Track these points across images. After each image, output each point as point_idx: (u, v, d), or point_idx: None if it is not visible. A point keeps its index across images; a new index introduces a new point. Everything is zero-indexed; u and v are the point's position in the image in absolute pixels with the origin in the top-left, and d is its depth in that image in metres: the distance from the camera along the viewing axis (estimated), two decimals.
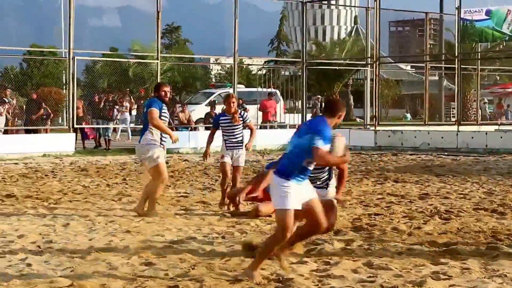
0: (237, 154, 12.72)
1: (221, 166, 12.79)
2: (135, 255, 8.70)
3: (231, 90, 34.56)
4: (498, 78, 60.38)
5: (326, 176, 9.12)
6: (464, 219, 11.47)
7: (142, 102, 33.25)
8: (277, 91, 37.14)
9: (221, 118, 12.90)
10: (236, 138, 12.79)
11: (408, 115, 63.67)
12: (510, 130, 30.32)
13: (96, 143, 29.51)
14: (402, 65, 64.46)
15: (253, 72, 62.19)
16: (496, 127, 33.76)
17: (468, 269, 8.05)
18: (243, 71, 59.59)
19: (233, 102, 12.88)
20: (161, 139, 11.83)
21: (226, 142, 12.77)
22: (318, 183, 8.94)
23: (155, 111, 11.70)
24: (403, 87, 65.06)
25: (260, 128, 31.79)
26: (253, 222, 11.17)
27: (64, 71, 34.62)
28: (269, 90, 35.86)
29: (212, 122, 13.45)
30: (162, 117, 11.80)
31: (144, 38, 48.32)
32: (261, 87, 37.20)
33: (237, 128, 12.78)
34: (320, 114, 7.40)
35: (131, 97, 38.40)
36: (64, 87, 32.26)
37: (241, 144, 12.79)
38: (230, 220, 11.34)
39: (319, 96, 43.64)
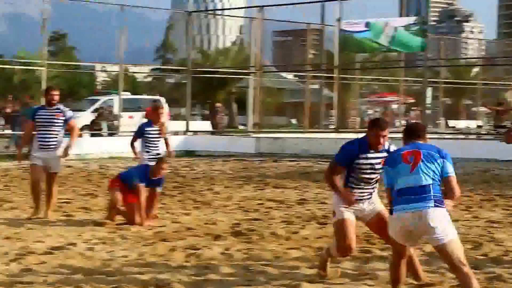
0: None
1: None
2: (15, 262, 8.70)
3: (116, 97, 34.48)
4: (376, 87, 62.01)
5: None
6: None
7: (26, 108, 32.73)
8: (162, 99, 37.19)
9: (147, 128, 12.88)
10: (157, 150, 12.83)
11: (294, 121, 64.59)
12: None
13: None
14: (285, 74, 65.36)
15: (139, 80, 61.91)
16: None
17: (342, 271, 8.37)
18: (128, 79, 59.27)
19: (162, 113, 12.88)
20: (41, 143, 11.96)
21: (148, 153, 12.76)
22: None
23: (27, 124, 12.46)
24: (286, 95, 65.93)
25: None
26: (134, 228, 11.26)
27: None
28: (153, 97, 35.89)
29: (137, 131, 13.09)
30: (38, 120, 11.97)
31: (30, 45, 47.59)
32: (146, 94, 37.16)
33: (160, 140, 12.86)
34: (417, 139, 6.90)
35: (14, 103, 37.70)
36: None
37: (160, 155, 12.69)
38: (111, 226, 11.39)
39: (219, 104, 43.78)
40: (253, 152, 29.35)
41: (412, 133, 6.98)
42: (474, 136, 34.00)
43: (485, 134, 34.70)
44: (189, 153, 29.24)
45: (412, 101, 52.70)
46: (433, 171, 6.49)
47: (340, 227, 7.63)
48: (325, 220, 12.17)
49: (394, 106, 47.03)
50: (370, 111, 54.23)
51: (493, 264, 8.76)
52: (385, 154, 7.44)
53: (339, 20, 32.43)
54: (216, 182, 18.68)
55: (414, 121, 44.62)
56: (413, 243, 6.78)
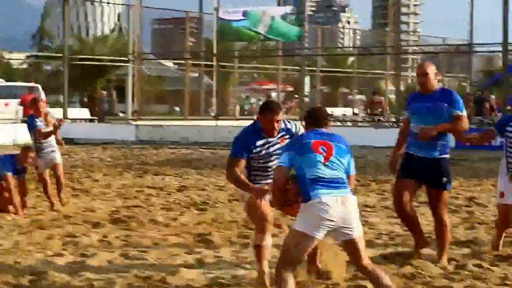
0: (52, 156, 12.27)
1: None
2: None
3: None
4: (256, 76, 62.44)
5: None
6: (219, 210, 11.92)
7: None
8: (39, 86, 36.44)
9: (33, 122, 12.32)
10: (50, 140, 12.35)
11: (177, 109, 64.28)
12: None
13: None
14: (165, 62, 65.02)
15: (15, 67, 60.46)
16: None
17: (220, 257, 8.45)
18: (3, 65, 57.80)
19: (41, 105, 12.41)
20: None
21: (41, 144, 12.23)
22: None
23: None
24: (166, 83, 65.64)
25: (22, 122, 31.05)
26: (9, 216, 11.02)
27: None
28: (29, 84, 35.14)
29: (28, 127, 12.45)
30: None
31: None
32: (22, 81, 36.33)
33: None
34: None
35: None
36: None
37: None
38: None
39: (102, 91, 43.00)
40: (133, 139, 29.16)
41: (317, 119, 6.49)
42: (350, 124, 34.69)
43: (360, 121, 35.47)
44: (67, 141, 28.66)
45: (291, 89, 53.36)
46: (344, 166, 6.24)
47: (252, 205, 7.05)
48: (204, 207, 12.25)
49: (273, 94, 47.42)
50: (253, 99, 54.56)
51: (366, 247, 8.99)
52: (284, 133, 7.05)
53: (217, 8, 32.53)
54: (95, 169, 18.48)
55: (288, 106, 45.15)
56: (322, 236, 6.09)
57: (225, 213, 11.64)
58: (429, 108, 7.93)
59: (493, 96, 33.24)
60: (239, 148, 7.04)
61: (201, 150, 25.68)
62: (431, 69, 8.03)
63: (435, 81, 8.03)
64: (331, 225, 5.97)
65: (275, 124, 6.93)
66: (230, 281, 7.30)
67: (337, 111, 47.62)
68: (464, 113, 7.89)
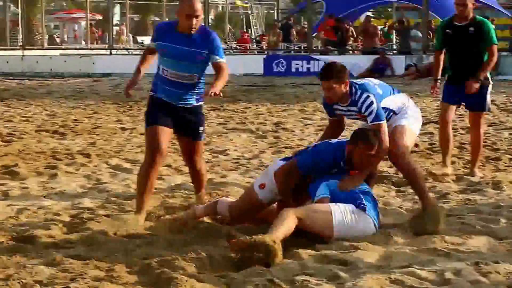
0: None
1: None
2: None
3: None
4: (65, 4, 60.86)
5: None
6: (26, 141, 11.68)
7: None
8: None
9: None
10: None
11: None
12: (75, 54, 31.01)
13: None
14: None
15: None
16: (61, 51, 34.21)
17: (27, 188, 8.32)
18: None
19: None
20: None
21: None
22: None
23: None
24: None
25: None
26: None
27: None
28: None
29: None
30: None
31: None
32: None
33: None
34: None
35: None
36: None
37: None
38: None
39: None
40: None
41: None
42: None
43: None
44: None
45: (100, 18, 52.38)
46: None
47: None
48: (10, 138, 11.95)
49: (82, 23, 46.46)
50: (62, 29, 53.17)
51: None
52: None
53: None
54: None
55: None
56: None
57: (32, 144, 11.41)
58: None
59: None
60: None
61: (7, 81, 24.90)
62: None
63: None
64: None
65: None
66: (37, 211, 7.19)
67: (147, 40, 47.23)
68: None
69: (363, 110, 6.38)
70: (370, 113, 6.35)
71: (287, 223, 5.70)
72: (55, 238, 6.23)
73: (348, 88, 6.42)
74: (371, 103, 6.35)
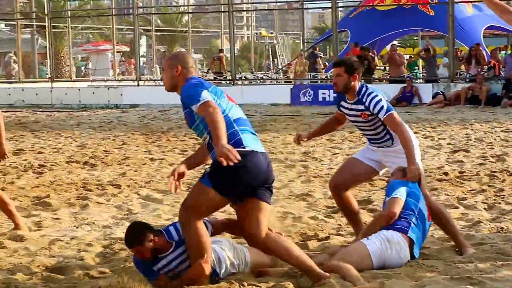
0: None
1: None
2: None
3: None
4: (91, 36, 61.41)
5: None
6: (57, 172, 11.77)
7: None
8: None
9: None
10: None
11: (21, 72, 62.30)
12: (103, 86, 31.26)
13: None
14: None
15: None
16: (89, 83, 34.53)
17: (59, 219, 8.38)
18: None
19: None
20: None
21: None
22: None
23: None
24: None
25: None
26: None
27: None
28: None
29: None
30: None
31: None
32: None
33: None
34: None
35: None
36: None
37: None
38: None
39: None
40: None
41: None
42: None
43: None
44: None
45: (127, 49, 52.82)
46: None
47: None
48: (42, 170, 12.05)
49: (109, 55, 46.80)
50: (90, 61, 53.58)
51: None
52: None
53: None
54: None
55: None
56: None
57: (62, 175, 11.50)
58: None
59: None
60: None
61: (38, 112, 25.15)
62: None
63: None
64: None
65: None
66: (69, 242, 7.24)
67: None
68: None
69: (371, 107, 6.51)
70: (381, 108, 6.49)
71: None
72: (88, 268, 6.28)
73: (356, 84, 6.58)
74: (380, 100, 6.51)
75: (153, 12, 46.45)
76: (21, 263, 6.50)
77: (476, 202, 8.76)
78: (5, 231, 7.73)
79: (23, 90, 29.55)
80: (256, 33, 54.91)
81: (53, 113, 24.89)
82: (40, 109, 26.33)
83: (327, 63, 35.69)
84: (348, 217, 7.03)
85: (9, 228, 7.86)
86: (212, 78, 31.70)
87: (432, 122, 18.76)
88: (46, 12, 32.69)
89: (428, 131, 16.90)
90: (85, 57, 55.60)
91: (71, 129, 19.11)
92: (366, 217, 7.69)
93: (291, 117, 21.18)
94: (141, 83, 30.74)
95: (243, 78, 36.47)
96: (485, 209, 8.50)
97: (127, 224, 8.00)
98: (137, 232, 5.68)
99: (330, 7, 30.33)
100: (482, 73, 26.10)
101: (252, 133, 5.73)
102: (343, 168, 7.01)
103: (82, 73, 47.90)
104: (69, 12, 41.08)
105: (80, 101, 27.98)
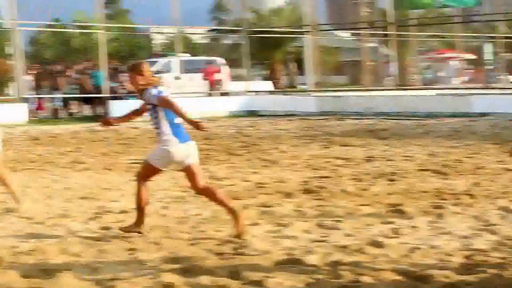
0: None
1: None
2: (94, 220, 8.89)
3: (174, 59, 34.76)
4: (435, 44, 61.17)
5: None
6: (409, 180, 11.79)
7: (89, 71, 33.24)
8: (219, 59, 37.35)
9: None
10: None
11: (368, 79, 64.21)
12: (449, 94, 30.93)
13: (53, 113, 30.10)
14: (340, 33, 64.83)
15: (195, 41, 62.02)
16: (438, 91, 34.36)
17: (415, 227, 8.36)
18: (185, 40, 59.42)
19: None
20: None
21: None
22: None
23: None
24: (343, 54, 65.45)
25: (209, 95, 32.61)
26: None
27: (6, 42, 34.54)
28: (212, 58, 36.39)
29: None
30: None
31: (86, 8, 48.13)
32: (205, 55, 37.51)
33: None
34: None
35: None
36: (8, 58, 32.22)
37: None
38: (182, 184, 11.51)
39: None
40: (314, 111, 29.33)
41: None
42: None
43: None
44: (251, 113, 29.47)
45: (473, 57, 51.90)
46: None
47: None
48: (394, 177, 12.13)
49: (454, 63, 46.29)
50: (434, 69, 53.55)
51: None
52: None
53: None
54: (281, 141, 18.73)
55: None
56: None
57: (415, 183, 11.49)
58: None
59: None
60: None
61: (384, 120, 25.48)
62: None
63: None
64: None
65: None
66: (429, 251, 7.20)
67: None
68: None
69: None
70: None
71: None
72: (450, 278, 6.19)
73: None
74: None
75: (500, 19, 45.19)
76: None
77: None
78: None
79: (371, 98, 30.13)
80: None
81: (400, 121, 25.05)
82: (387, 117, 26.62)
83: None
84: None
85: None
86: None
87: None
88: (389, 21, 33.08)
89: None
90: (427, 65, 55.56)
91: (420, 137, 19.10)
92: None
93: None
94: (489, 91, 29.96)
95: None
96: None
97: (487, 235, 7.83)
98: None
99: None
100: None
101: None
102: None
103: (426, 81, 47.84)
104: (413, 20, 41.23)
105: (427, 109, 27.87)
